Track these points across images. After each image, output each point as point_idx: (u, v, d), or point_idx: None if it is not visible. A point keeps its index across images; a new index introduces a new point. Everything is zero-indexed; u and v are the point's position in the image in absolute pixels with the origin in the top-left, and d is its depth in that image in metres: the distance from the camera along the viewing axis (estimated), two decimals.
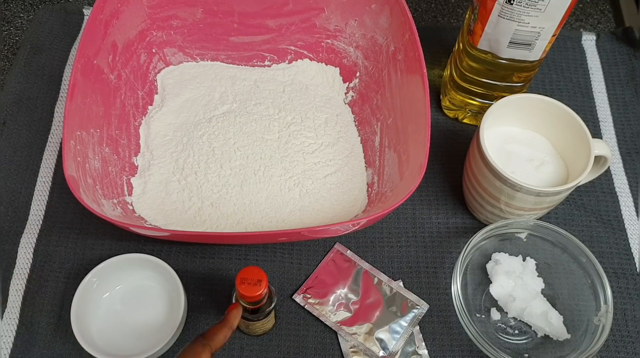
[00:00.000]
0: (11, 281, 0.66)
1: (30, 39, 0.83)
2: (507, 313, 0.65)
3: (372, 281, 0.67)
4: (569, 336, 0.63)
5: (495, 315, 0.65)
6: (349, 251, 0.69)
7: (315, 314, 0.65)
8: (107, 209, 0.61)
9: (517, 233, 0.67)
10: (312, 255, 0.69)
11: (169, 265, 0.62)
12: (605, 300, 0.61)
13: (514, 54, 0.67)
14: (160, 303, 0.64)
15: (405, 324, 0.64)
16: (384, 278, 0.67)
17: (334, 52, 0.78)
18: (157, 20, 0.74)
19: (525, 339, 0.64)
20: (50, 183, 0.72)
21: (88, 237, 0.68)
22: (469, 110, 0.76)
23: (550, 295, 0.66)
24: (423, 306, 0.66)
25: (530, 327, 0.64)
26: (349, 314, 0.65)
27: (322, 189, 0.69)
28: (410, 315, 0.65)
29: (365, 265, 0.68)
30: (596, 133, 0.79)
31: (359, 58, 0.76)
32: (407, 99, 0.66)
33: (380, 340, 0.63)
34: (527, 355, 0.62)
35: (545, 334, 0.64)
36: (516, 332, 0.64)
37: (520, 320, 0.65)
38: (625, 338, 0.65)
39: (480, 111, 0.76)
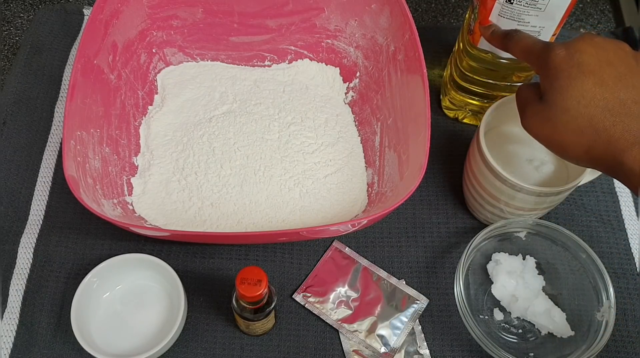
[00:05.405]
0: (11, 281, 0.66)
1: (30, 39, 0.83)
2: (510, 313, 0.65)
3: (372, 278, 0.67)
4: (572, 333, 0.63)
5: (498, 315, 0.65)
6: (347, 248, 0.69)
7: (315, 313, 0.65)
8: (107, 209, 0.61)
9: (516, 232, 0.67)
10: (312, 254, 0.69)
11: (169, 265, 0.62)
12: (607, 296, 0.62)
13: None
14: (160, 303, 0.64)
15: (406, 319, 0.65)
16: (383, 274, 0.67)
17: (334, 52, 0.78)
18: (157, 20, 0.74)
19: (529, 338, 0.64)
20: (50, 183, 0.72)
21: (88, 237, 0.68)
22: (469, 110, 0.76)
23: (552, 293, 0.66)
24: (423, 301, 0.66)
25: (534, 325, 0.64)
26: (349, 311, 0.65)
27: (322, 189, 0.69)
28: (410, 310, 0.65)
29: (364, 262, 0.68)
30: None
31: (359, 58, 0.76)
32: (407, 99, 0.66)
33: (382, 337, 0.63)
34: (532, 354, 0.62)
35: (548, 332, 0.64)
36: (519, 331, 0.64)
37: (523, 319, 0.65)
38: (625, 338, 0.65)
39: (480, 111, 0.76)
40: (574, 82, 0.44)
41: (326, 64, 0.79)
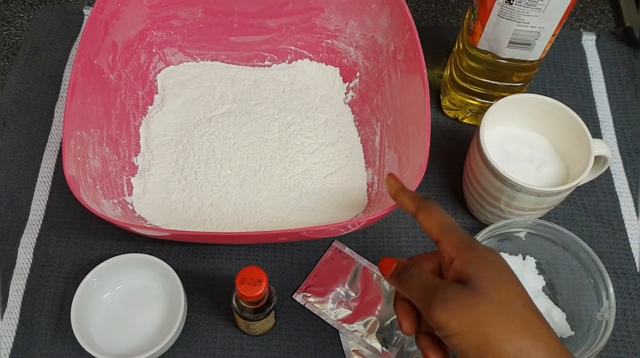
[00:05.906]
0: (11, 281, 0.66)
1: (30, 39, 0.83)
2: None
3: (371, 278, 0.67)
4: (572, 333, 0.63)
5: None
6: (347, 248, 0.69)
7: (315, 313, 0.65)
8: (107, 209, 0.61)
9: (516, 232, 0.67)
10: (312, 254, 0.69)
11: (169, 265, 0.62)
12: (607, 296, 0.61)
13: (514, 54, 0.67)
14: (160, 303, 0.64)
15: None
16: None
17: (334, 52, 0.78)
18: (157, 20, 0.74)
19: None
20: (50, 183, 0.72)
21: (88, 237, 0.68)
22: (469, 110, 0.76)
23: (552, 293, 0.66)
24: None
25: None
26: (349, 311, 0.65)
27: (322, 189, 0.69)
28: None
29: (364, 262, 0.68)
30: (596, 133, 0.79)
31: (359, 58, 0.76)
32: (407, 99, 0.66)
33: (382, 337, 0.63)
34: None
35: None
36: None
37: None
38: (625, 338, 0.65)
39: (480, 111, 0.76)
40: (507, 281, 0.43)
41: (326, 64, 0.79)
